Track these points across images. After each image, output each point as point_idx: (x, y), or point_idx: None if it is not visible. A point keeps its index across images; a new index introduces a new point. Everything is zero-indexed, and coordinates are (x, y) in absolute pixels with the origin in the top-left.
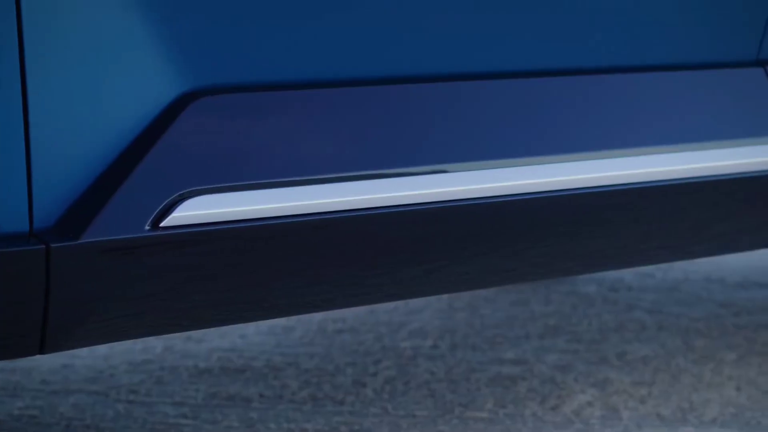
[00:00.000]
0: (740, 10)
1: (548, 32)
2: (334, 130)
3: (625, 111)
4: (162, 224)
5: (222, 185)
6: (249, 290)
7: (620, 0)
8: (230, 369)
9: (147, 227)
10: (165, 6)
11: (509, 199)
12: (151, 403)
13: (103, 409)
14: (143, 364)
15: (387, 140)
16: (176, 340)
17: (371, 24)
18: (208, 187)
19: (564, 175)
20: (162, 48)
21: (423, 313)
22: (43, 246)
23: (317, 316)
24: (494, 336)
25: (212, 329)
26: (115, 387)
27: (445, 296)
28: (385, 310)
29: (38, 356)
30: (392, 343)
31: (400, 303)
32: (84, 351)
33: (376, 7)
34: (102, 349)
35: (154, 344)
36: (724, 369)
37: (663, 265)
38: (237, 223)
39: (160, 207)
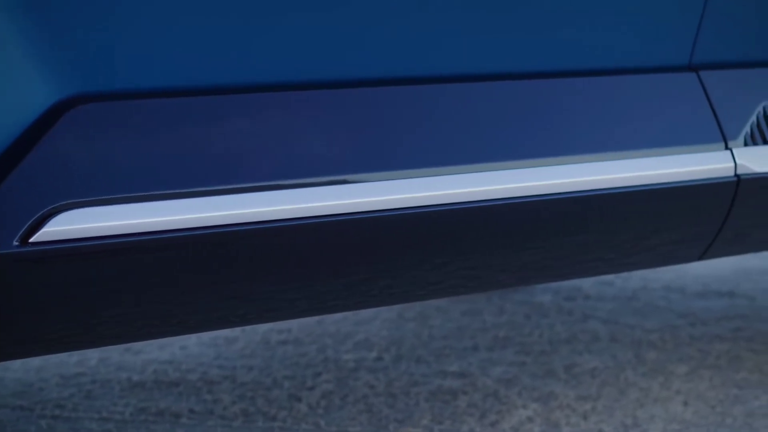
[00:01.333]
0: (672, 14)
1: (469, 36)
2: (223, 139)
3: (553, 117)
4: (32, 240)
5: (101, 198)
6: (133, 309)
7: (545, 2)
8: (164, 382)
9: (15, 243)
10: (40, 7)
11: (434, 209)
12: (76, 418)
13: (25, 425)
14: (75, 377)
15: (282, 149)
16: (113, 351)
17: (260, 28)
18: (86, 199)
19: (494, 184)
20: (36, 52)
21: (372, 323)
22: None
23: (262, 327)
24: (441, 347)
25: (152, 340)
26: (42, 401)
27: (395, 306)
28: (333, 320)
29: None
30: (335, 355)
31: (349, 312)
32: (16, 363)
33: (267, 10)
34: (35, 361)
35: (90, 356)
36: (673, 383)
37: (623, 274)
38: (117, 238)
39: (31, 221)
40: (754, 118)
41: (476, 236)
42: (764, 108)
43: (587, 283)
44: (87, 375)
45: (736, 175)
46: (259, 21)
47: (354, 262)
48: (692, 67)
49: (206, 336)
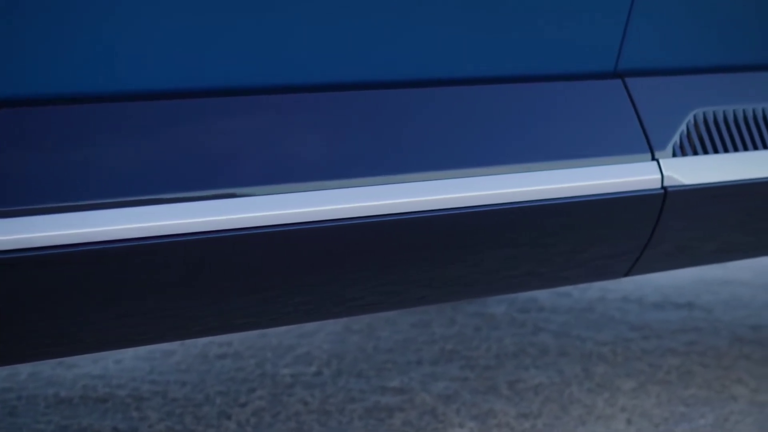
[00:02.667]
0: (596, 18)
1: (380, 42)
2: (140, 147)
3: (472, 126)
4: None
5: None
6: (30, 326)
7: (466, 5)
8: (92, 398)
9: None
10: None
11: (351, 222)
12: None
13: None
14: (1, 393)
15: (185, 160)
16: (45, 365)
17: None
18: None
19: (414, 196)
20: None
21: (316, 336)
22: None
23: (202, 340)
24: (384, 361)
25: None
26: None
27: (342, 318)
28: (276, 332)
29: None
30: (273, 370)
31: (294, 325)
32: None
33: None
34: None
35: (21, 370)
36: (618, 399)
37: (582, 284)
38: (22, 252)
39: None
40: (683, 128)
41: (396, 250)
42: (695, 117)
43: (543, 295)
44: (14, 390)
45: (662, 187)
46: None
47: (265, 277)
48: (618, 74)
49: (143, 349)
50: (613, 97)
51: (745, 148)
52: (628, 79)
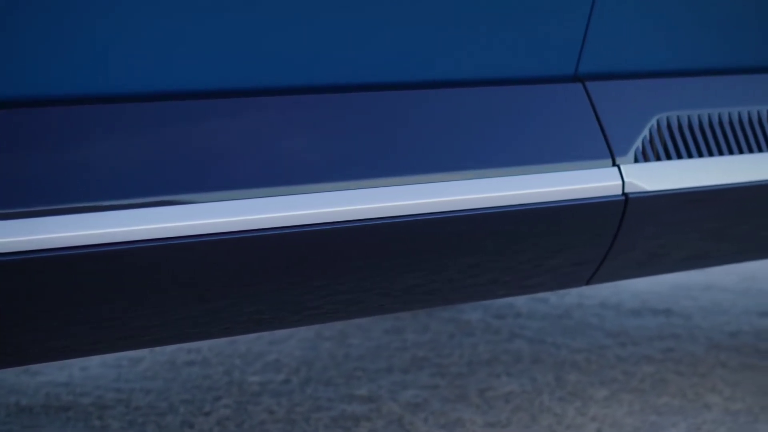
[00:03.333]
0: (556, 20)
1: (331, 44)
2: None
3: (429, 131)
4: None
5: None
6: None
7: (419, 7)
8: (54, 407)
9: None
10: None
11: (306, 229)
12: None
13: None
14: None
15: (127, 166)
16: (9, 373)
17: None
18: None
19: (371, 203)
20: None
21: (286, 342)
22: None
23: (170, 347)
24: (354, 369)
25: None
26: None
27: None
28: (246, 339)
29: None
30: (241, 377)
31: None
32: None
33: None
34: None
35: None
36: (590, 408)
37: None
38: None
39: None
40: (646, 133)
41: (353, 258)
42: (658, 121)
43: (520, 300)
44: None
45: (623, 193)
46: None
47: (217, 286)
48: (578, 78)
49: (111, 356)
50: (574, 101)
51: (711, 154)
52: (588, 83)
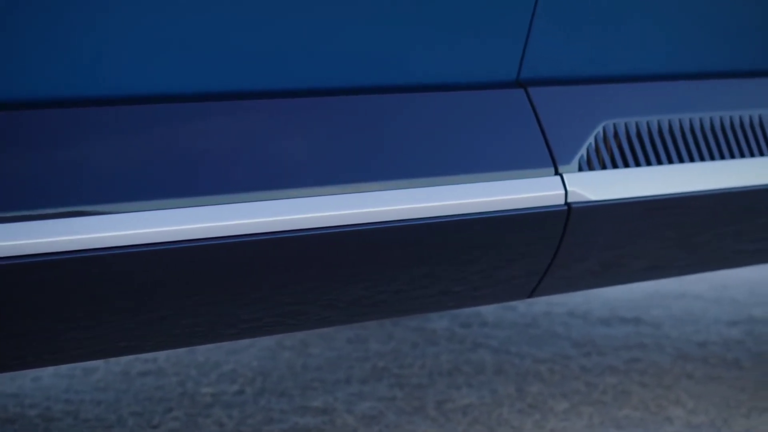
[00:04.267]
0: (498, 26)
1: (270, 48)
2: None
3: (367, 138)
4: None
5: None
6: None
7: (355, 11)
8: (0, 419)
9: None
10: None
11: (244, 239)
12: None
13: None
14: None
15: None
16: None
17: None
18: None
19: (310, 212)
20: None
21: (245, 352)
22: None
23: (127, 357)
24: (311, 380)
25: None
26: None
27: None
28: (204, 349)
29: None
30: (194, 388)
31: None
32: None
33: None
34: None
35: None
36: (549, 420)
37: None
38: None
39: None
40: (591, 140)
41: (294, 268)
42: (604, 129)
43: (488, 309)
44: None
45: (566, 203)
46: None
47: (148, 298)
48: (520, 83)
49: (64, 366)
50: (515, 107)
51: (660, 162)
52: (531, 89)
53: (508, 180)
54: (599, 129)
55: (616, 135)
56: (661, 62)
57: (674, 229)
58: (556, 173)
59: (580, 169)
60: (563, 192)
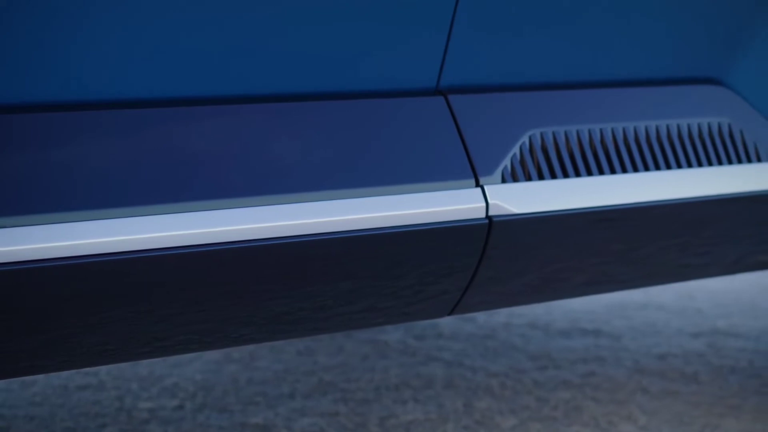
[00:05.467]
0: (416, 30)
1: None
2: None
3: (284, 148)
4: None
5: None
6: None
7: (268, 15)
8: None
9: None
10: None
11: (151, 254)
12: None
13: None
14: None
15: None
16: None
17: None
18: None
19: (218, 226)
20: None
21: (190, 365)
22: None
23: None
24: (254, 394)
25: None
26: None
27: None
28: (149, 361)
29: None
30: (132, 403)
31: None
32: None
33: None
34: None
35: None
36: None
37: None
38: None
39: None
40: (516, 150)
41: (207, 284)
42: (530, 138)
43: (446, 320)
44: None
45: (487, 216)
46: None
47: (52, 316)
48: (440, 91)
49: (3, 381)
50: (434, 116)
51: (589, 173)
52: (451, 97)
53: (427, 192)
54: (525, 139)
55: (543, 145)
56: (591, 70)
57: (607, 243)
58: (477, 185)
59: (504, 181)
60: (484, 205)
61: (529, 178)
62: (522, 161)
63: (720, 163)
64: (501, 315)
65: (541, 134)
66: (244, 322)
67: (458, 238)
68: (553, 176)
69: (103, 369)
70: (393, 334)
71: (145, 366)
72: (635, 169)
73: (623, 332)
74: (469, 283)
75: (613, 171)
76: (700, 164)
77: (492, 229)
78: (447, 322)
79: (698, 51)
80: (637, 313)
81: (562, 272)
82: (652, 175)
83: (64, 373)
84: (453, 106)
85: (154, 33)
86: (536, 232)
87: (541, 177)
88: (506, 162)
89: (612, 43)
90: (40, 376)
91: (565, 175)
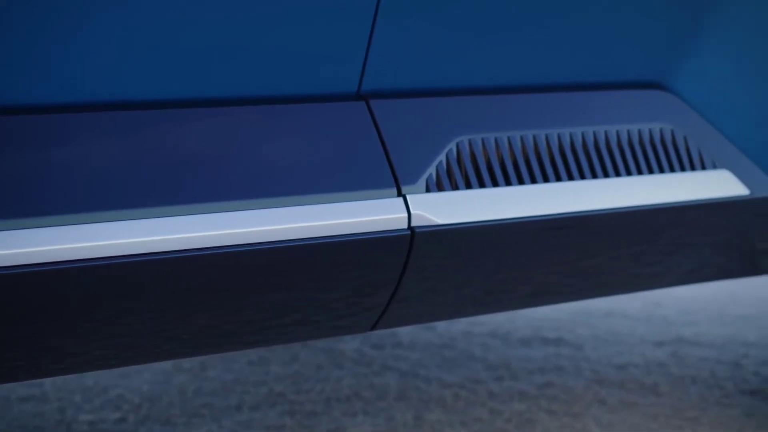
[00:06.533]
0: (335, 31)
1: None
2: None
3: (198, 157)
4: None
5: None
6: None
7: (172, 15)
8: None
9: None
10: None
11: (60, 267)
12: None
13: None
14: None
15: None
16: None
17: None
18: None
19: (124, 238)
20: None
21: (139, 375)
22: None
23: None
24: (201, 406)
25: None
26: None
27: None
28: (98, 372)
29: None
30: (74, 415)
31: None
32: None
33: None
34: None
35: None
36: None
37: None
38: None
39: None
40: (442, 158)
41: (128, 297)
42: (458, 146)
43: (405, 328)
44: None
45: (409, 227)
46: None
47: None
48: (361, 96)
49: None
50: (355, 123)
51: (521, 182)
52: (373, 102)
53: (347, 202)
54: (452, 146)
55: (472, 153)
56: (526, 73)
57: (544, 253)
58: (399, 194)
59: (428, 190)
60: (406, 215)
61: (456, 188)
62: (449, 170)
63: (662, 170)
64: (462, 323)
65: (470, 141)
66: (167, 336)
67: (379, 250)
68: (482, 185)
69: (48, 380)
70: (350, 343)
71: (91, 376)
72: (571, 178)
73: (586, 341)
74: (392, 297)
75: (546, 180)
76: (640, 172)
77: (415, 240)
78: (407, 331)
79: (641, 54)
80: (601, 321)
81: (499, 284)
82: (588, 184)
83: (8, 384)
84: (375, 111)
85: None
86: (463, 244)
87: (469, 186)
88: (431, 170)
89: (549, 45)
90: None
91: (495, 185)
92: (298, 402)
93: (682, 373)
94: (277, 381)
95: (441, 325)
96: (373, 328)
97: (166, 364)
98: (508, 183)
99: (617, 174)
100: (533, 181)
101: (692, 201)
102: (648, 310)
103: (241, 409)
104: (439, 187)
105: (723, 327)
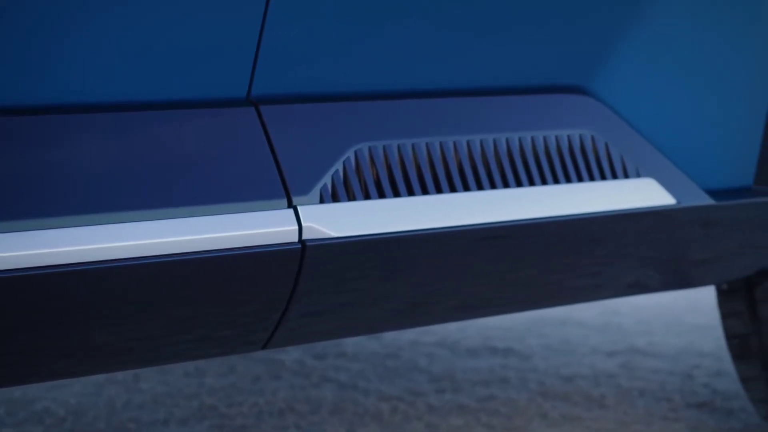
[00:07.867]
0: (221, 31)
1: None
2: None
3: (73, 164)
4: None
5: None
6: None
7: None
8: None
9: None
10: None
11: None
12: None
13: None
14: None
15: None
16: None
17: None
18: None
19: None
20: None
21: (67, 387)
22: None
23: None
24: (128, 420)
25: None
26: None
27: None
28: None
29: None
30: None
31: None
32: None
33: None
34: None
35: None
36: None
37: None
38: None
39: None
40: (339, 167)
41: (12, 313)
42: (356, 153)
43: (351, 338)
44: None
45: (300, 241)
46: None
47: None
48: (251, 101)
49: None
50: (243, 129)
51: (425, 192)
52: (263, 108)
53: (234, 213)
54: (349, 154)
55: (372, 161)
56: (435, 77)
57: (449, 267)
58: (290, 206)
59: (322, 201)
60: (296, 228)
61: (353, 198)
62: (345, 179)
63: (580, 179)
64: (410, 332)
65: (370, 149)
66: (62, 354)
67: (268, 264)
68: (382, 196)
69: None
70: (292, 353)
71: (20, 388)
72: (480, 188)
73: (535, 351)
74: (283, 314)
75: (453, 189)
76: (557, 181)
77: (306, 254)
78: (352, 341)
79: (560, 57)
80: (555, 330)
81: (391, 302)
82: (499, 194)
83: None
84: (265, 117)
85: None
86: (361, 258)
87: (367, 197)
88: (325, 180)
89: (461, 47)
90: None
91: (397, 195)
92: (228, 416)
93: (631, 385)
94: (211, 393)
95: (388, 335)
96: (265, 346)
97: (99, 376)
98: (411, 193)
99: (531, 183)
100: (439, 191)
101: (612, 211)
102: (603, 319)
103: (168, 423)
104: (335, 198)
105: (678, 336)
